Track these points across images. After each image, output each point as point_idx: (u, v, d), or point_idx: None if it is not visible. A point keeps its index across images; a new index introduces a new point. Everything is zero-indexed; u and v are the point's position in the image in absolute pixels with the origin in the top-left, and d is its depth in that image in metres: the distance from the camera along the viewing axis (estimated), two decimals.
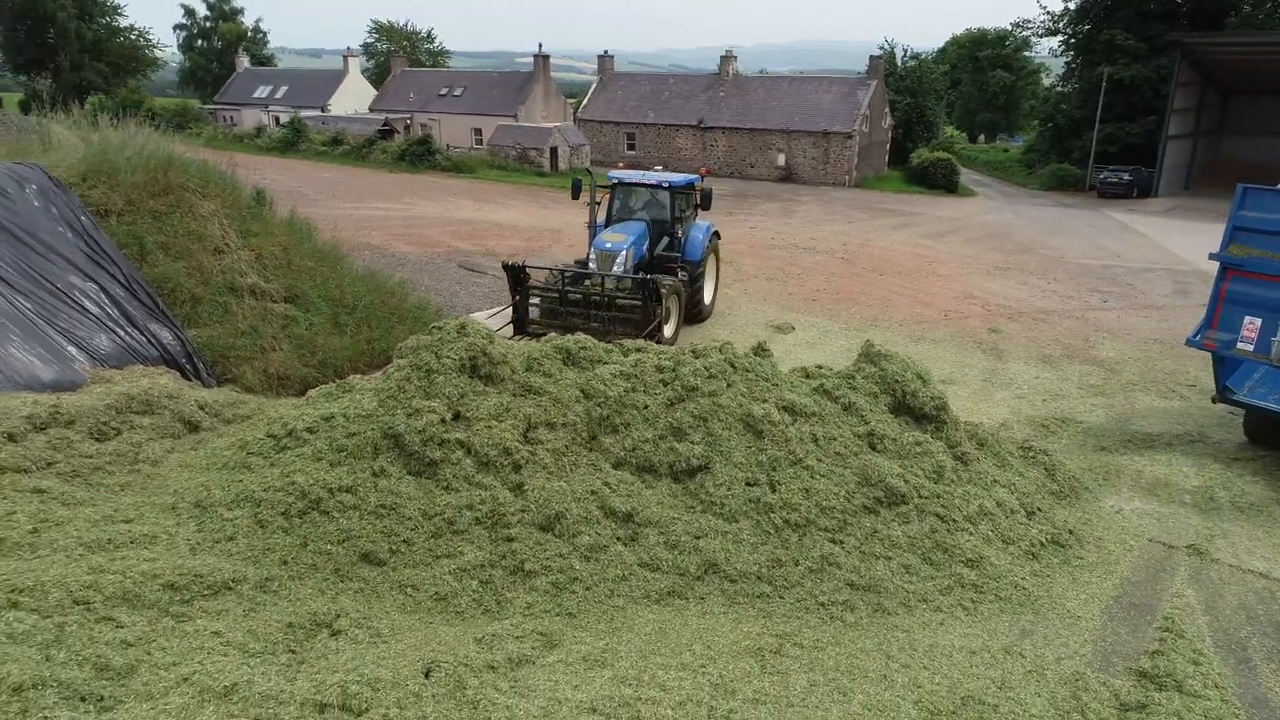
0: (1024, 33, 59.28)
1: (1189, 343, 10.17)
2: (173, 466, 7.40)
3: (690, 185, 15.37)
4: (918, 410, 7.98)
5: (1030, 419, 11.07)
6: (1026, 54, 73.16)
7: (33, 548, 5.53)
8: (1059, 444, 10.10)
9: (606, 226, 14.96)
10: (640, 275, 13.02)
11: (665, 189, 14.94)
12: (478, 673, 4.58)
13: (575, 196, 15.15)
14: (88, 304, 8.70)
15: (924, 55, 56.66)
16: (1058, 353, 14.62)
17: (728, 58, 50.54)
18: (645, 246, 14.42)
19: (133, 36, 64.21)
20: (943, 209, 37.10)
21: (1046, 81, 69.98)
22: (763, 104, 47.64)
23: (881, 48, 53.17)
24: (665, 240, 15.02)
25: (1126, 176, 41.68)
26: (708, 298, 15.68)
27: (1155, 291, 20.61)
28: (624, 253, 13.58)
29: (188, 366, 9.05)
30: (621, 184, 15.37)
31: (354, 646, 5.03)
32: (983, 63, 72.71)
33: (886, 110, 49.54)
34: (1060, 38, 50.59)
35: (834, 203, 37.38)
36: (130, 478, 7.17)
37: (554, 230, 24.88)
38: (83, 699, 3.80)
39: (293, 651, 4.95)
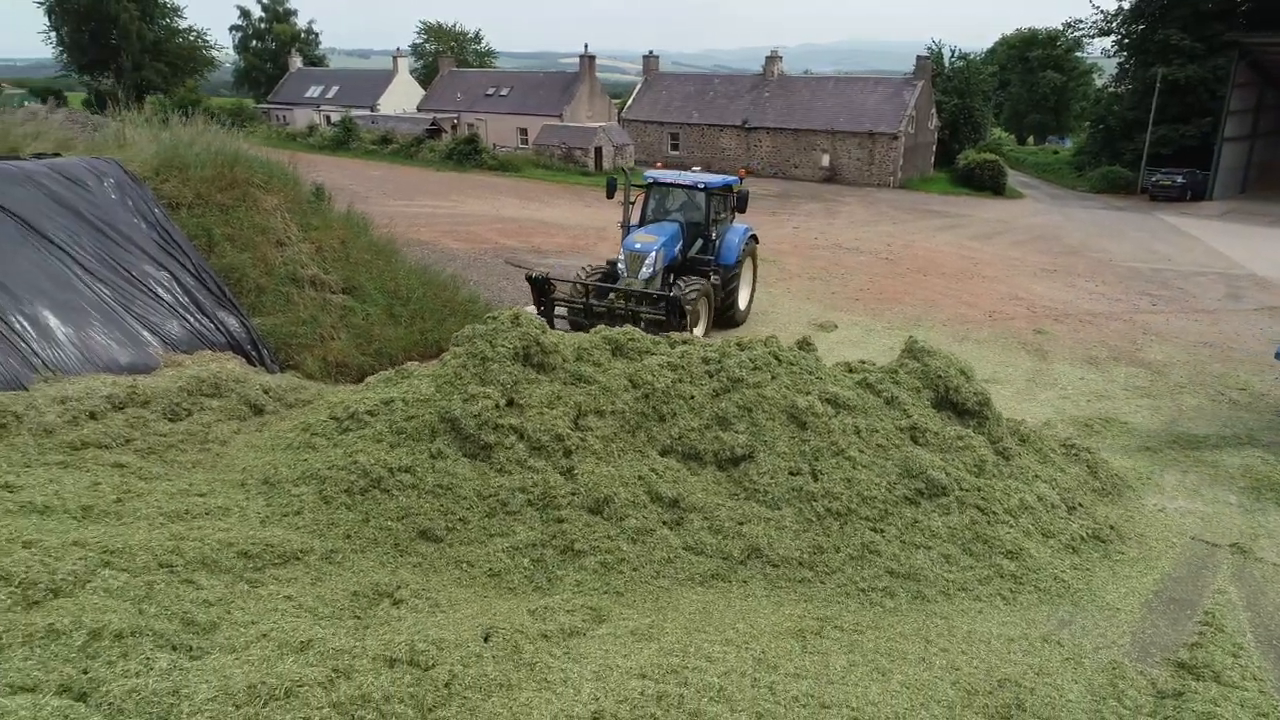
0: (1076, 33, 58.18)
1: None
2: (240, 446, 7.78)
3: (727, 187, 14.98)
4: (960, 405, 8.08)
5: (1074, 419, 11.07)
6: (1078, 55, 71.86)
7: (118, 515, 5.91)
8: (1103, 443, 10.10)
9: (640, 226, 14.70)
10: (663, 292, 12.87)
11: (701, 190, 14.56)
12: (533, 640, 4.84)
13: (610, 195, 14.87)
14: (161, 292, 9.15)
15: (972, 56, 55.99)
16: (1104, 354, 14.53)
17: (773, 58, 50.47)
18: (677, 248, 14.16)
19: (191, 37, 65.94)
20: (989, 211, 36.73)
21: (1099, 82, 68.68)
22: (808, 104, 47.52)
23: (929, 48, 52.71)
24: (699, 242, 14.73)
25: (1180, 179, 40.80)
26: (743, 302, 15.39)
27: (1207, 296, 20.28)
28: (654, 254, 13.32)
29: (253, 353, 9.46)
30: (656, 184, 15.01)
31: (414, 615, 5.32)
32: (1033, 63, 71.61)
33: (933, 111, 49.11)
34: (1113, 38, 49.66)
35: (878, 204, 37.20)
36: (201, 455, 7.56)
37: (598, 229, 25.18)
38: (174, 648, 4.11)
39: (358, 617, 5.26)
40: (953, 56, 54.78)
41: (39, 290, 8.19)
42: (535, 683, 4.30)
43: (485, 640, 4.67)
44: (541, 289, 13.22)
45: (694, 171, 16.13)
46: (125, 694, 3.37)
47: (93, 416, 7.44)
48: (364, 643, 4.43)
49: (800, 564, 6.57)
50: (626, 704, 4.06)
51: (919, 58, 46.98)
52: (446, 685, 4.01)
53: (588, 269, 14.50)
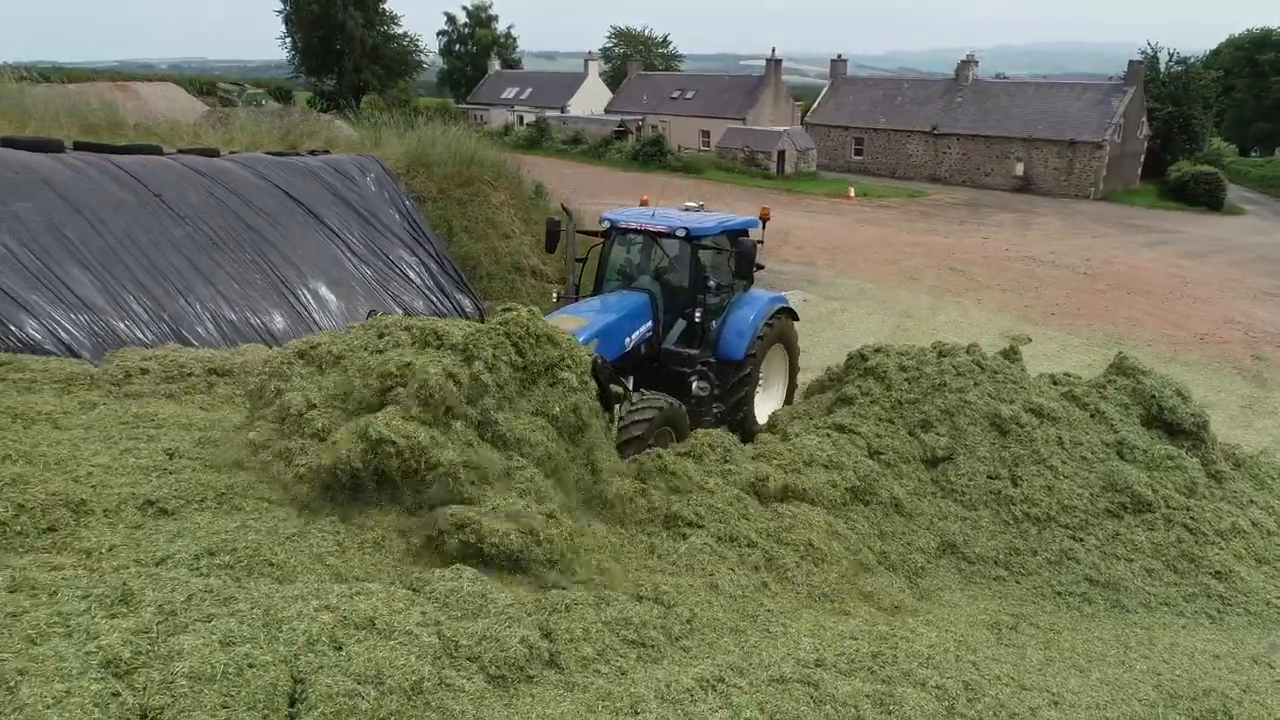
0: None
1: None
2: None
3: (737, 232, 9.38)
4: (1175, 425, 7.97)
5: None
6: None
7: None
8: None
9: (596, 294, 9.32)
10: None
11: (682, 238, 8.80)
12: (752, 597, 5.41)
13: (550, 249, 9.68)
14: (411, 274, 10.43)
15: (1193, 59, 51.71)
16: None
17: (968, 62, 48.76)
18: (634, 336, 8.40)
19: (404, 42, 71.23)
20: (1204, 227, 34.10)
21: None
22: (1004, 110, 45.65)
23: (1143, 51, 49.22)
24: (683, 324, 9.25)
25: None
26: (762, 415, 9.53)
27: None
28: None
29: None
30: (616, 228, 9.28)
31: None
32: (1263, 67, 65.21)
33: (1143, 119, 45.89)
34: None
35: (1076, 216, 35.33)
36: None
37: (783, 231, 25.48)
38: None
39: None
40: (1170, 60, 50.86)
41: (319, 268, 9.59)
42: (759, 631, 4.87)
43: (714, 589, 5.28)
44: None
45: (685, 210, 9.87)
46: (448, 592, 4.19)
47: None
48: (613, 580, 5.15)
49: (995, 563, 6.81)
50: (844, 657, 4.54)
51: (1132, 62, 44.10)
52: (688, 621, 4.64)
53: None
